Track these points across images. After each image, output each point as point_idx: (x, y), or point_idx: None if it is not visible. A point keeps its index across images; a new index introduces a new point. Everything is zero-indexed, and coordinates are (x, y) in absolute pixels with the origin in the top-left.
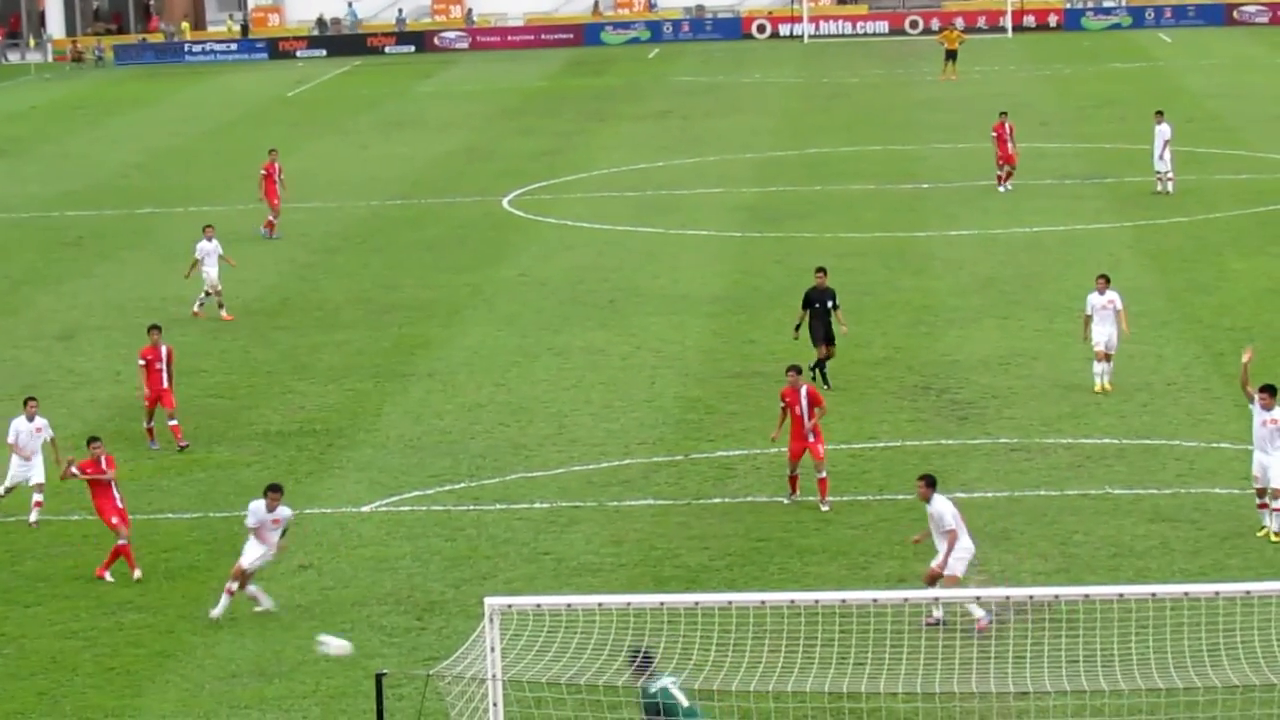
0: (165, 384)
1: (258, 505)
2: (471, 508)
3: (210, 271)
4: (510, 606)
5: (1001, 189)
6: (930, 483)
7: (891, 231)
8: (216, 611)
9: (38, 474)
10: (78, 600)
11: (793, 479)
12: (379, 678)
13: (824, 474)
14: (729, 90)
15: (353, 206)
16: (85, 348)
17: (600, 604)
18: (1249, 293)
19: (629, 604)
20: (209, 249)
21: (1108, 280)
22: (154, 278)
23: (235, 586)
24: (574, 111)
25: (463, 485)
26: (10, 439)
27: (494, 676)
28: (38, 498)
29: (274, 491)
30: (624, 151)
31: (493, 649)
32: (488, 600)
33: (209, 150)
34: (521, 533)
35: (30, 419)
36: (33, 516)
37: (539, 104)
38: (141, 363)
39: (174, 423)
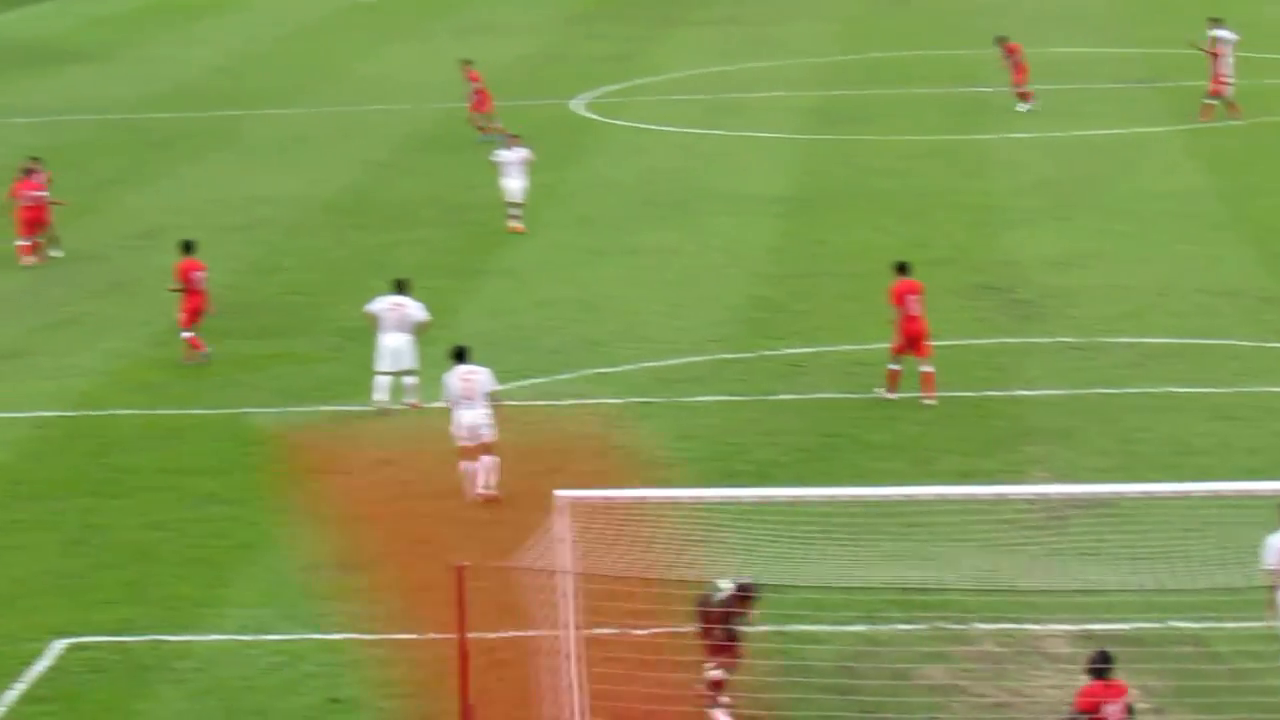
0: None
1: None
2: (546, 402)
3: (507, 182)
4: (581, 499)
5: (1023, 108)
6: None
7: (952, 134)
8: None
9: None
10: (163, 493)
11: (894, 374)
12: (458, 570)
13: (930, 368)
14: None
15: (428, 109)
16: (170, 246)
17: (670, 497)
18: None
19: (699, 498)
20: (511, 158)
21: None
22: (237, 178)
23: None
24: (643, 17)
25: (537, 380)
26: None
27: (565, 569)
28: None
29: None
30: (692, 56)
31: (563, 540)
32: (559, 493)
33: (288, 54)
34: (593, 427)
35: None
36: None
37: (609, 9)
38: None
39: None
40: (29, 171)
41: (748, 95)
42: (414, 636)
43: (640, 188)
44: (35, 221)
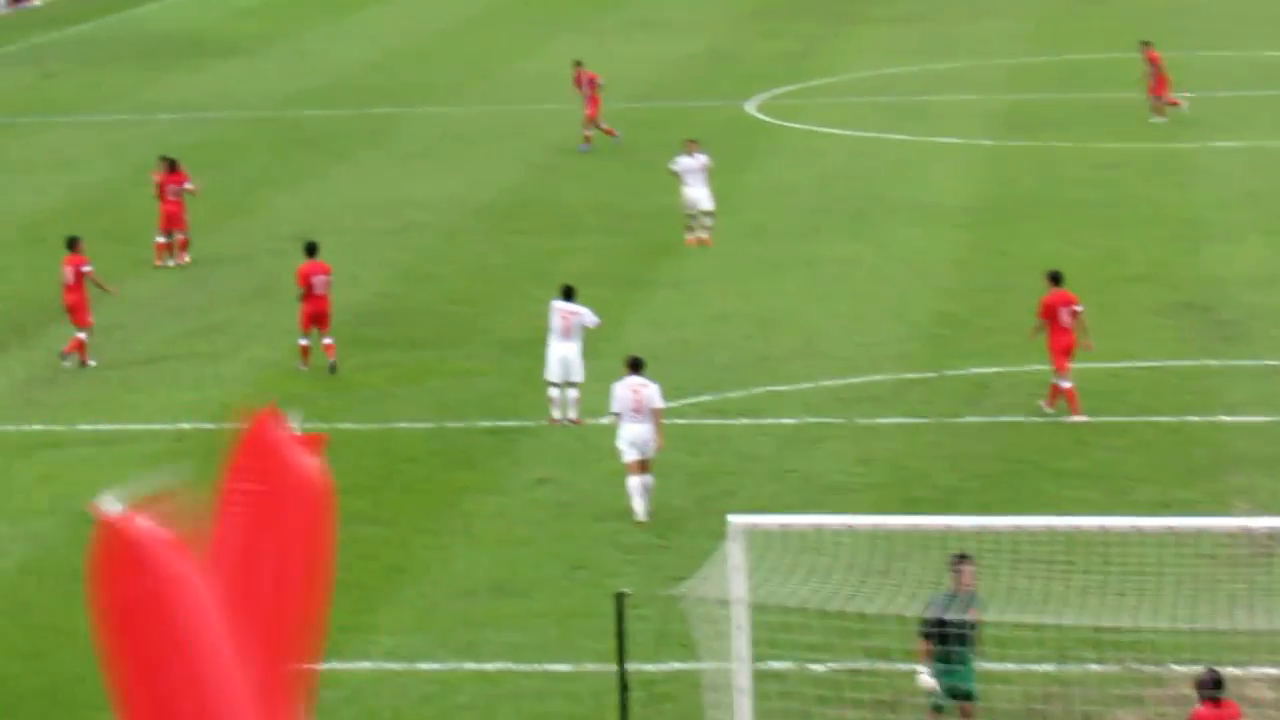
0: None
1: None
2: (715, 421)
3: (689, 191)
4: (755, 525)
5: (1160, 120)
6: None
7: (1151, 142)
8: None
9: None
10: None
11: (1057, 390)
12: (619, 597)
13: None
14: None
15: None
16: (321, 252)
17: (849, 525)
18: None
19: (879, 525)
20: (692, 165)
21: None
22: (390, 180)
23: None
24: (821, 13)
25: (706, 398)
26: None
27: (739, 599)
28: None
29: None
30: (873, 55)
31: (737, 570)
32: (732, 519)
33: (447, 49)
34: (767, 449)
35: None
36: None
37: (784, 4)
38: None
39: (329, 341)
40: (172, 164)
41: (932, 98)
42: (572, 668)
43: (817, 195)
44: (173, 217)
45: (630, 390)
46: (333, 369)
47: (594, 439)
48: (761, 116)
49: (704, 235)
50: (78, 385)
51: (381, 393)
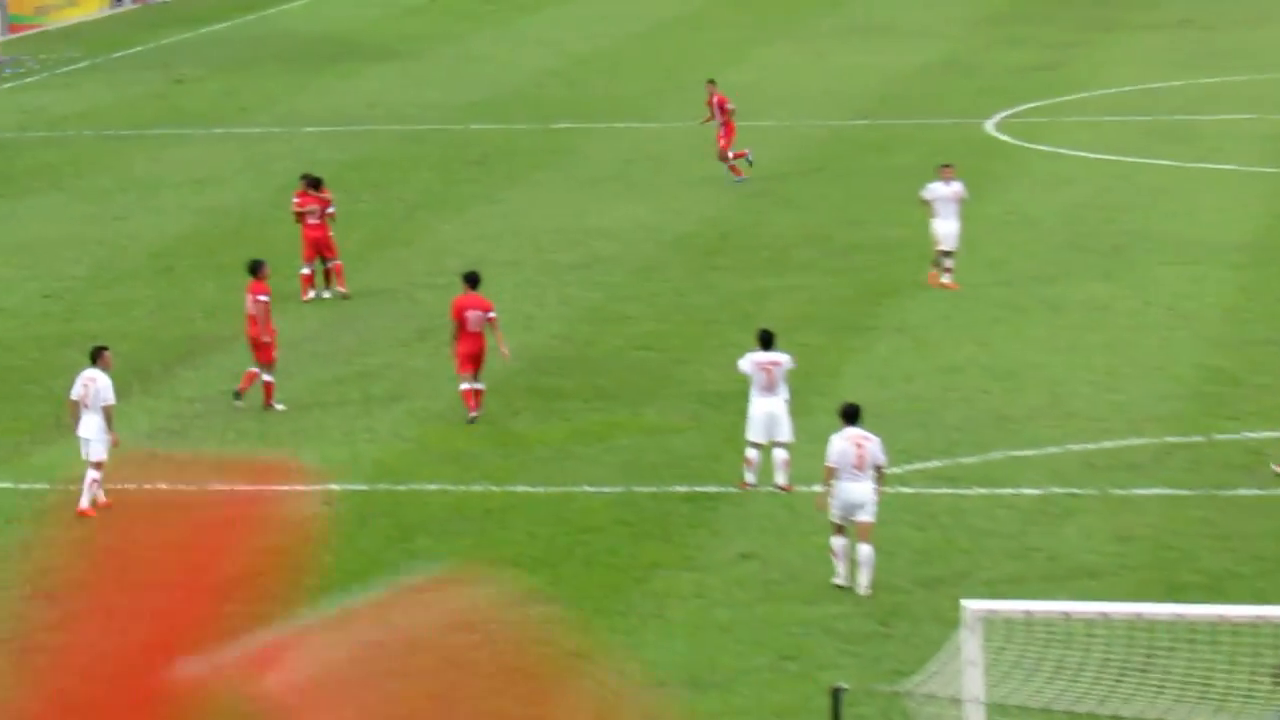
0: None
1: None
2: (946, 491)
3: (940, 224)
4: (993, 612)
5: None
6: None
7: None
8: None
9: None
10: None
11: None
12: (835, 693)
13: None
14: None
15: (807, 126)
16: (490, 286)
17: (1102, 613)
18: None
19: (1138, 615)
20: (946, 194)
21: None
22: (572, 206)
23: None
24: (1073, 18)
25: (936, 463)
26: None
27: (973, 697)
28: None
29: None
30: (1133, 67)
31: (973, 663)
32: (967, 604)
33: (638, 56)
34: (1006, 523)
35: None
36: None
37: (1031, 8)
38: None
39: (479, 386)
40: (315, 183)
41: (1203, 117)
42: None
43: (1065, 229)
44: (319, 243)
45: (853, 444)
46: (472, 420)
47: (804, 508)
48: (1002, 137)
49: (947, 280)
50: (210, 439)
51: (560, 451)
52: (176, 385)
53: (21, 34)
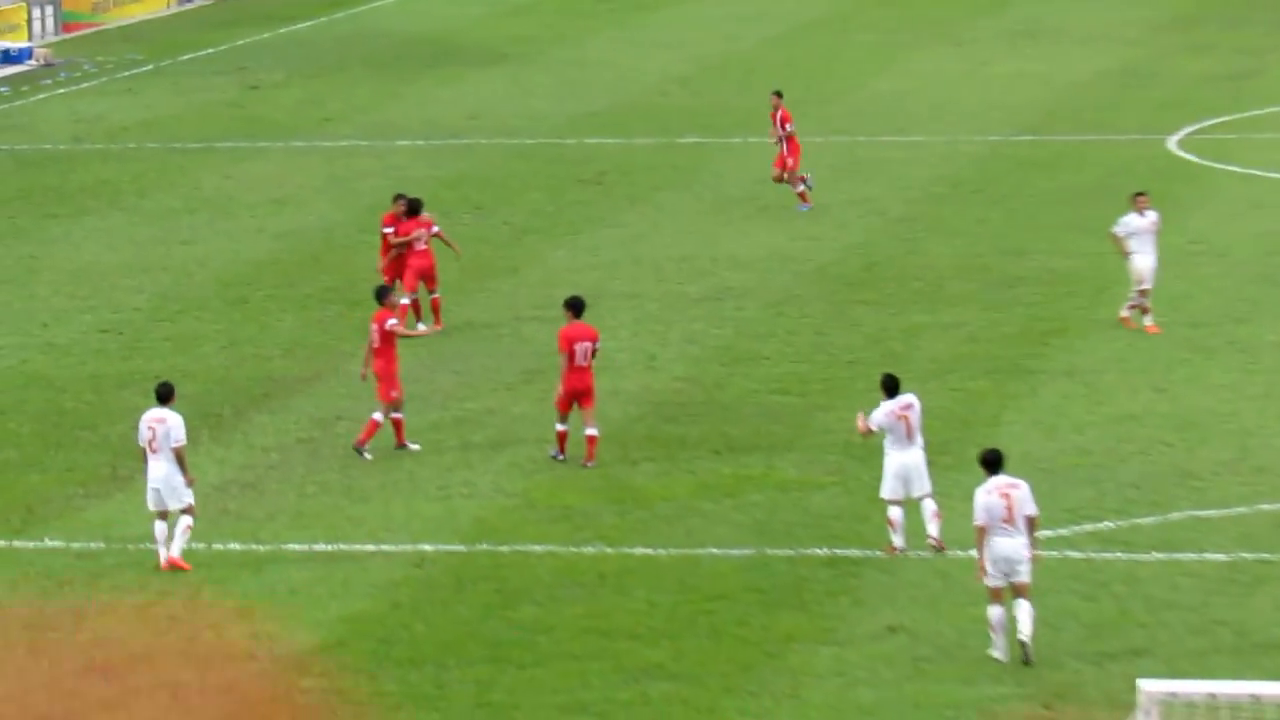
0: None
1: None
2: (1121, 556)
3: (1139, 260)
4: (1173, 695)
5: None
6: None
7: None
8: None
9: None
10: (588, 662)
11: None
12: None
13: None
14: None
15: (964, 142)
16: (608, 320)
17: None
18: None
19: None
20: (1143, 226)
21: None
22: (699, 231)
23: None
24: (1268, 20)
25: (1109, 525)
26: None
27: None
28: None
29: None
30: None
31: None
32: (1143, 685)
33: (775, 62)
34: (1189, 593)
35: None
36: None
37: (1221, 10)
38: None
39: (592, 431)
40: (413, 206)
41: None
42: None
43: (1258, 260)
44: (426, 272)
45: (999, 495)
46: (586, 463)
47: (959, 574)
48: (1186, 155)
49: (1148, 322)
50: (287, 492)
51: (685, 508)
52: (250, 432)
53: (77, 33)
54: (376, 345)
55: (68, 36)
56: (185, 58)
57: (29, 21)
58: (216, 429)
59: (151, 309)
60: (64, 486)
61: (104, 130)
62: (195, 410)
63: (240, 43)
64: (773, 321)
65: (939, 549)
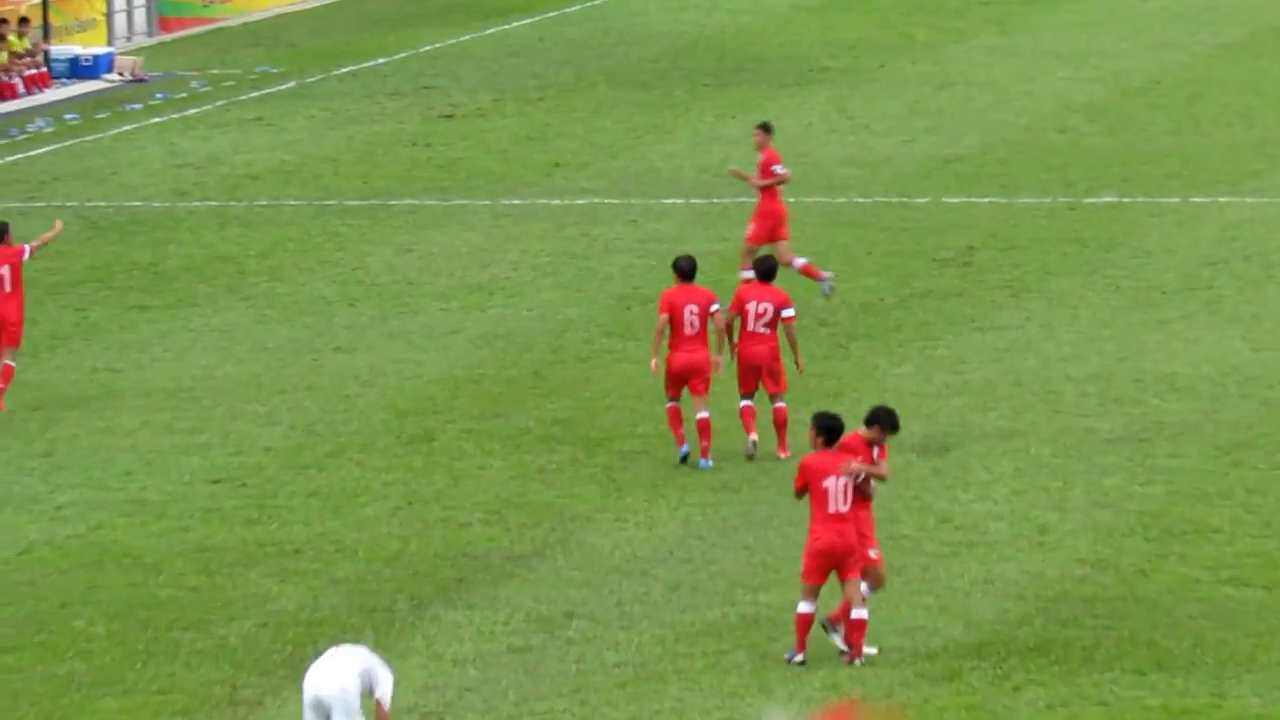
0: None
1: None
2: None
3: None
4: None
5: None
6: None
7: None
8: None
9: None
10: None
11: None
12: None
13: None
14: None
15: None
16: (977, 473)
17: None
18: None
19: None
20: None
21: None
22: (1119, 337)
23: None
24: None
25: None
26: None
27: None
28: None
29: None
30: None
31: None
32: None
33: (1233, 81)
34: None
35: None
36: None
37: None
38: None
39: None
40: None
41: None
42: None
43: None
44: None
45: None
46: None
47: None
48: None
49: None
50: None
51: None
52: (437, 636)
53: (181, 33)
54: None
55: (166, 38)
56: (341, 70)
57: (109, 16)
58: (386, 631)
59: (290, 450)
60: (156, 718)
61: (220, 181)
62: (354, 602)
63: (425, 49)
64: (1227, 476)
65: None
